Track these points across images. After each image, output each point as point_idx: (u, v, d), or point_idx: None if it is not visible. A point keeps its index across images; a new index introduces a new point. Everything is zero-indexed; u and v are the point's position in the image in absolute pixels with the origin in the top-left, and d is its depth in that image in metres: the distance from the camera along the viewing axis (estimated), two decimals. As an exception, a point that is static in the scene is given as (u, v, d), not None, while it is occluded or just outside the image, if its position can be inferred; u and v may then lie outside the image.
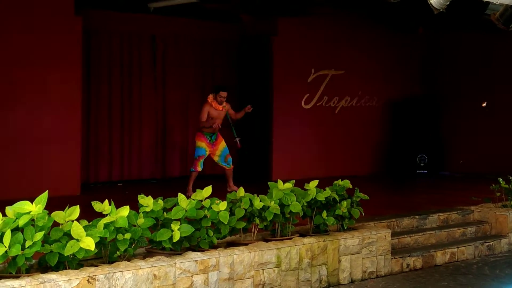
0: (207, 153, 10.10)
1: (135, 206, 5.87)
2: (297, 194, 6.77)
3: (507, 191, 9.28)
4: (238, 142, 10.28)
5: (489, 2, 8.68)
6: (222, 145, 10.19)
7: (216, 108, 10.03)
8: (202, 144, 10.05)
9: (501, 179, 9.21)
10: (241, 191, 6.58)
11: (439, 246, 8.21)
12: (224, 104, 10.14)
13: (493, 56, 13.94)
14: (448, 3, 7.79)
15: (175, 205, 6.00)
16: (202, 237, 6.06)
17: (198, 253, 5.97)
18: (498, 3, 8.38)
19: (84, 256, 5.22)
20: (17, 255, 4.91)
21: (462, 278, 7.45)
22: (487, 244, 8.64)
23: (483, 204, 9.40)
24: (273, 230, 6.81)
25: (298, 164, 12.65)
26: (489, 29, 10.44)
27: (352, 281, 7.05)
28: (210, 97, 10.08)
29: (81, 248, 5.12)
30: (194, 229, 5.91)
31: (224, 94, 10.02)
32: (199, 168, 10.02)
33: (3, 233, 4.87)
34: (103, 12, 11.51)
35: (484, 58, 14.07)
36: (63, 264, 5.25)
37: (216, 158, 10.23)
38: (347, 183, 7.23)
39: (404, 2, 8.07)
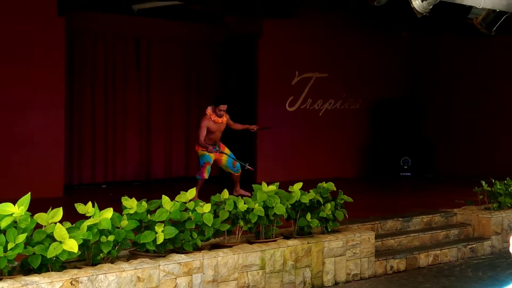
0: (213, 159, 9.65)
1: (119, 208, 5.84)
2: (281, 196, 6.78)
3: (490, 194, 9.35)
4: (249, 167, 9.77)
5: (472, 6, 8.76)
6: (226, 151, 9.79)
7: (216, 121, 9.64)
8: (205, 152, 9.59)
9: (483, 182, 9.27)
10: (225, 193, 6.58)
11: (423, 249, 8.24)
12: (223, 116, 9.76)
13: (476, 59, 14.04)
14: (431, 7, 7.84)
15: (159, 207, 5.98)
16: (186, 239, 6.05)
17: (182, 255, 5.95)
18: (480, 7, 8.45)
19: (67, 258, 5.19)
20: (-1, 257, 4.87)
21: (445, 280, 7.48)
22: (470, 246, 8.69)
23: (466, 206, 9.46)
24: (257, 232, 6.81)
25: (282, 166, 12.66)
26: (472, 32, 10.52)
27: (336, 283, 7.06)
28: (209, 110, 9.67)
29: (64, 250, 5.09)
30: (178, 231, 5.90)
31: (224, 107, 9.62)
32: (206, 176, 9.52)
33: (-15, 235, 4.84)
34: (87, 13, 11.45)
35: (467, 61, 14.17)
36: (46, 266, 5.21)
37: (223, 164, 9.85)
38: (331, 186, 7.24)
39: (388, 5, 8.12)
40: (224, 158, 9.74)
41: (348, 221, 7.68)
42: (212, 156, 9.62)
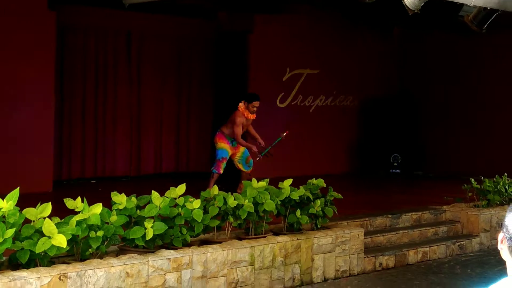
0: (229, 155, 9.56)
1: (108, 204, 5.83)
2: (271, 192, 6.78)
3: (479, 191, 9.38)
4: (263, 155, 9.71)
5: (463, 4, 8.78)
6: (242, 147, 9.67)
7: (248, 117, 9.49)
8: (225, 146, 9.48)
9: (473, 180, 9.30)
10: (215, 190, 6.57)
11: (412, 245, 8.27)
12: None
13: (468, 56, 14.06)
14: (422, 4, 7.86)
15: (148, 203, 5.97)
16: (176, 235, 6.04)
17: (171, 251, 5.94)
18: (471, 5, 8.48)
19: (55, 254, 5.17)
20: (-13, 252, 4.85)
21: (433, 277, 7.51)
22: (458, 243, 8.72)
23: (455, 204, 9.49)
24: (247, 229, 6.80)
25: (273, 162, 12.64)
26: (463, 30, 10.54)
27: (325, 280, 7.07)
28: (242, 106, 9.46)
29: (52, 246, 5.07)
30: (167, 227, 5.89)
31: (257, 104, 9.47)
32: (222, 171, 9.40)
33: (-27, 230, 4.81)
34: (78, 7, 11.39)
35: (459, 59, 14.18)
36: (34, 261, 5.20)
37: (237, 160, 9.71)
38: (321, 182, 7.25)
39: (380, 2, 8.13)
40: (238, 154, 9.64)
41: (337, 218, 7.69)
42: (229, 152, 9.52)
